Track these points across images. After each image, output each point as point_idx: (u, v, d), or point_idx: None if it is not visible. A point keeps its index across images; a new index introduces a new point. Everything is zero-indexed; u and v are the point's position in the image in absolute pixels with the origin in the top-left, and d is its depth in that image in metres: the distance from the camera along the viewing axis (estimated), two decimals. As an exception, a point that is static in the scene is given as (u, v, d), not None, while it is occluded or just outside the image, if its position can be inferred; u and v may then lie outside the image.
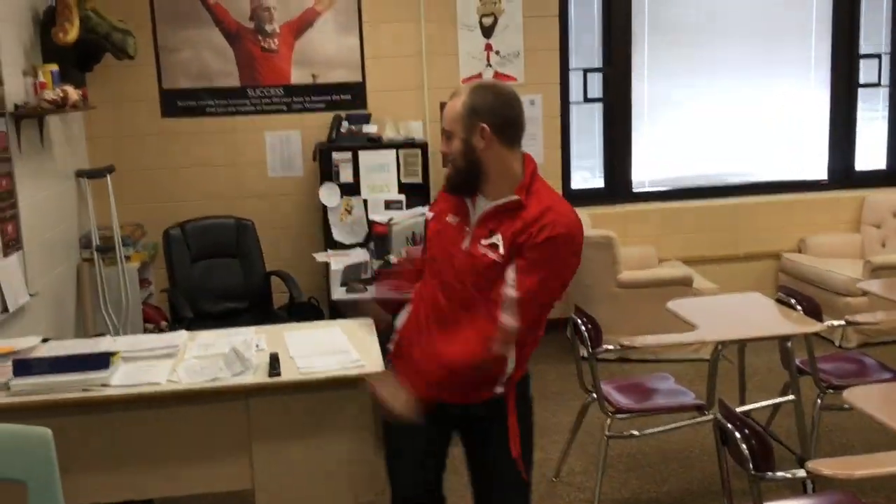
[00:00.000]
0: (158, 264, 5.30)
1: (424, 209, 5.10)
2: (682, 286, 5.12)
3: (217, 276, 5.02)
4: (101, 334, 4.46)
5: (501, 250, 2.30)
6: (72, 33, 4.44)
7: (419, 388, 2.37)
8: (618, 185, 5.99)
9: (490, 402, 2.43)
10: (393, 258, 4.68)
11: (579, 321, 3.58)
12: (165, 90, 5.38)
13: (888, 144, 6.21)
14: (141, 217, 5.39)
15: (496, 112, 2.33)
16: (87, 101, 4.83)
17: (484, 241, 2.34)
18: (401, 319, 2.61)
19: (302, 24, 5.42)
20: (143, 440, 2.92)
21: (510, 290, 2.27)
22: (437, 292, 2.43)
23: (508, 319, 2.27)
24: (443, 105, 2.54)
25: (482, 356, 2.31)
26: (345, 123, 5.32)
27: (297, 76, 5.45)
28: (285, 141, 5.50)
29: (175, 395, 2.88)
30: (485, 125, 2.31)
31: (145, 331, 4.99)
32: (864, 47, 6.06)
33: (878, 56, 6.07)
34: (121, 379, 2.93)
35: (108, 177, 5.09)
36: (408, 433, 2.50)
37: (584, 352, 3.58)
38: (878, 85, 6.12)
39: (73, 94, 4.38)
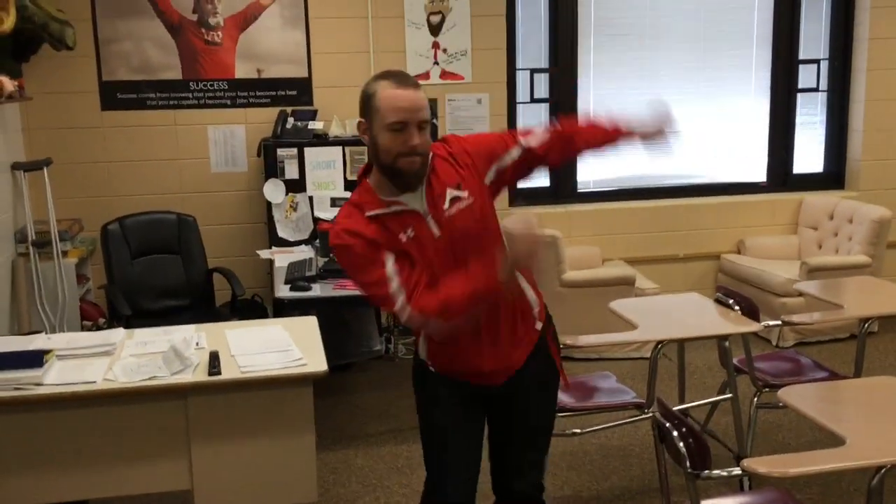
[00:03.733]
0: (97, 260, 5.19)
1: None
2: (625, 286, 5.17)
3: (157, 272, 4.93)
4: (37, 331, 4.35)
5: (466, 193, 2.36)
6: (7, 23, 4.31)
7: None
8: (563, 185, 6.03)
9: (535, 347, 2.53)
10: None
11: (523, 320, 3.58)
12: (105, 82, 5.26)
13: (825, 148, 6.36)
14: (79, 211, 5.27)
15: None
16: (23, 91, 4.71)
17: (449, 207, 2.35)
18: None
19: (247, 18, 5.34)
20: (78, 440, 2.86)
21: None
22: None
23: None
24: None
25: None
26: (290, 119, 5.26)
27: (242, 70, 5.38)
28: (229, 136, 5.42)
29: (111, 394, 2.83)
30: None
31: (83, 328, 4.88)
32: (804, 53, 6.19)
33: (817, 62, 6.21)
34: (54, 378, 2.86)
35: (46, 170, 4.97)
36: (457, 426, 2.53)
37: (527, 351, 3.58)
38: (816, 90, 6.26)
39: (8, 84, 4.27)
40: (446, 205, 2.35)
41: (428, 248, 2.36)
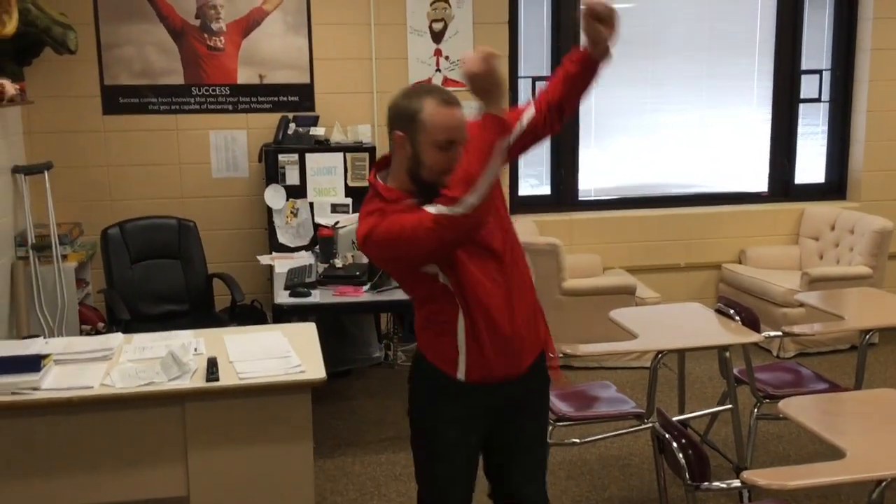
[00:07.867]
0: (97, 264, 5.18)
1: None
2: (626, 295, 5.16)
3: (157, 277, 4.92)
4: (35, 335, 4.34)
5: None
6: (10, 26, 4.32)
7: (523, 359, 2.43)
8: (564, 193, 6.02)
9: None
10: (338, 262, 4.65)
11: (523, 329, 3.57)
12: (107, 86, 5.26)
13: (827, 158, 6.35)
14: (79, 215, 5.27)
15: None
16: (24, 95, 4.71)
17: None
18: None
19: (249, 23, 5.35)
20: (75, 446, 2.85)
21: None
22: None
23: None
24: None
25: None
26: (292, 125, 5.26)
27: (244, 76, 5.38)
28: (231, 141, 5.42)
29: (108, 399, 2.81)
30: None
31: (82, 332, 4.87)
32: (806, 63, 6.19)
33: (819, 72, 6.21)
34: (52, 382, 2.85)
35: (46, 173, 4.97)
36: (459, 442, 2.46)
37: (526, 359, 3.57)
38: (818, 100, 6.25)
39: (9, 87, 4.27)
40: None
41: None
